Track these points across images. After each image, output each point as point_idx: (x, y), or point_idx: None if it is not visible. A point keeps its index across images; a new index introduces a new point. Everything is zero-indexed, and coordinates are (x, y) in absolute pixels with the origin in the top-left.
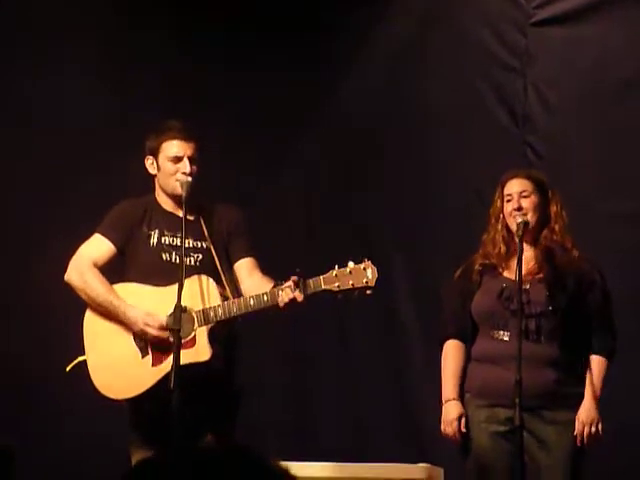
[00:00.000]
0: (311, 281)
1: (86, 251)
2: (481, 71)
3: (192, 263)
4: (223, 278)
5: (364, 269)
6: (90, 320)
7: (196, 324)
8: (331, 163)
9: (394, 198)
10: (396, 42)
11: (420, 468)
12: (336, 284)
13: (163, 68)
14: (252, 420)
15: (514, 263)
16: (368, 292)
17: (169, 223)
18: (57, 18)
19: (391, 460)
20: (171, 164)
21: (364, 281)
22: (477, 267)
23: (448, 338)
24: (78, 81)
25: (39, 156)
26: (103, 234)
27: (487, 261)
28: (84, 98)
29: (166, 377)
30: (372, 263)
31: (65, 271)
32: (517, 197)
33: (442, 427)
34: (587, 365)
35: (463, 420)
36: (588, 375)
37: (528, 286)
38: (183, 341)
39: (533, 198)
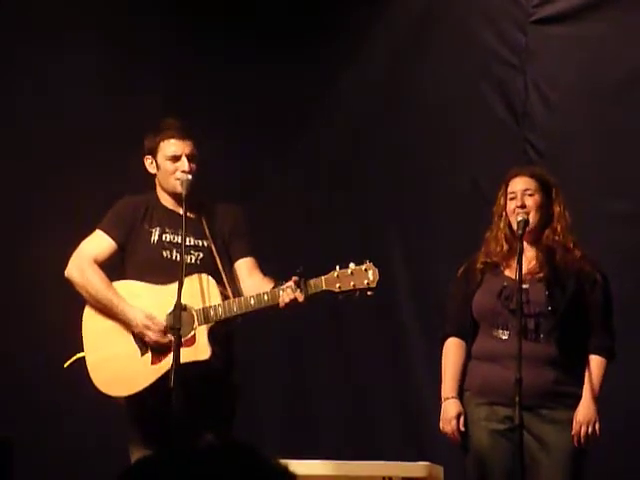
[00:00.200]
0: (312, 281)
1: (87, 247)
2: (481, 69)
3: (193, 261)
4: (224, 277)
5: (365, 270)
6: (89, 317)
7: (196, 323)
8: (331, 162)
9: (394, 197)
10: (396, 40)
11: (420, 466)
12: (337, 285)
13: (163, 67)
14: (252, 419)
15: (515, 262)
16: (369, 293)
17: (170, 221)
18: (57, 18)
19: (391, 458)
20: (170, 163)
21: (365, 282)
22: (479, 265)
23: (448, 336)
24: (78, 81)
25: (39, 156)
26: (104, 231)
27: (489, 260)
28: (84, 98)
29: (165, 375)
30: (373, 264)
31: (64, 269)
32: (520, 195)
33: (441, 425)
34: (586, 365)
35: (462, 418)
36: (587, 375)
37: (528, 285)
38: (183, 339)
39: (537, 197)
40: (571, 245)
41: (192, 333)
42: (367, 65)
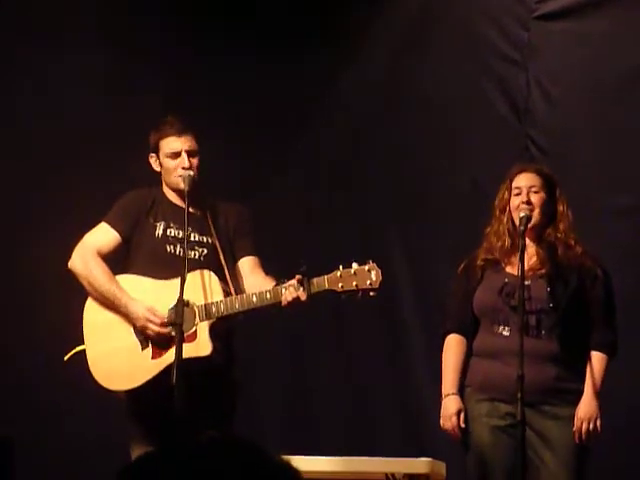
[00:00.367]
0: (315, 280)
1: (91, 239)
2: (483, 66)
3: (196, 257)
4: (227, 274)
5: (368, 271)
6: (90, 310)
7: (197, 319)
8: (331, 162)
9: (394, 197)
10: (396, 40)
11: (422, 462)
12: (340, 284)
13: (163, 67)
14: (254, 418)
15: (516, 259)
16: (371, 294)
17: (175, 216)
18: (57, 18)
19: (393, 455)
20: (170, 160)
21: (368, 283)
22: (479, 262)
23: (449, 333)
24: (78, 81)
25: (39, 156)
26: (110, 223)
27: (490, 256)
28: (84, 98)
29: (165, 370)
30: (376, 265)
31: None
32: (526, 191)
33: (441, 422)
34: (588, 361)
35: (462, 415)
36: (588, 371)
37: (529, 282)
38: (184, 335)
39: (542, 194)
40: (572, 242)
41: (193, 329)
42: (367, 65)
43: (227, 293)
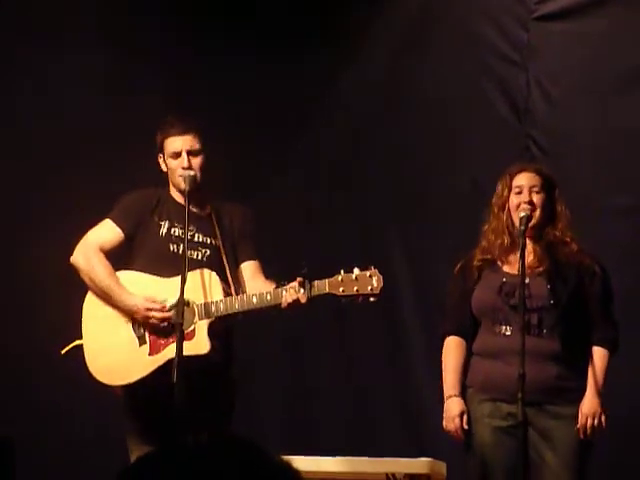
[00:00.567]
0: (316, 283)
1: (94, 236)
2: (482, 66)
3: (199, 257)
4: (229, 276)
5: (370, 277)
6: (90, 304)
7: (196, 317)
8: (331, 162)
9: (394, 197)
10: (396, 40)
11: (423, 462)
12: (341, 289)
13: (163, 67)
14: (253, 419)
15: (514, 257)
16: (372, 299)
17: (180, 215)
18: (57, 18)
19: (393, 455)
20: (173, 160)
21: (369, 289)
22: (476, 263)
23: (448, 335)
24: (78, 81)
25: (39, 156)
26: (114, 220)
27: (487, 256)
28: (84, 98)
29: (162, 367)
30: (378, 271)
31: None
32: (527, 191)
33: (444, 424)
34: (589, 358)
35: (465, 417)
36: (590, 367)
37: (528, 280)
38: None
39: (542, 194)
40: (569, 240)
41: (192, 327)
42: (367, 65)
43: (227, 294)
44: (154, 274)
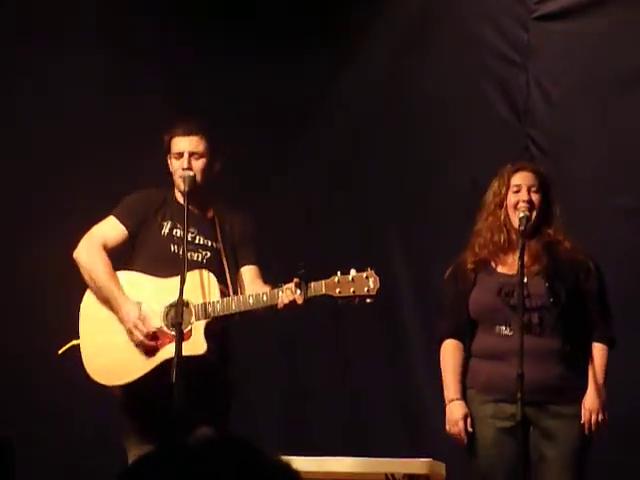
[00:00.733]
0: (312, 284)
1: (98, 232)
2: (482, 67)
3: (199, 259)
4: (228, 280)
5: (366, 278)
6: (88, 304)
7: (193, 317)
8: (331, 162)
9: (394, 197)
10: (396, 40)
11: (422, 463)
12: (337, 290)
13: (163, 67)
14: (250, 420)
15: (509, 258)
16: (368, 301)
17: (182, 216)
18: (57, 18)
19: (393, 455)
20: (175, 161)
21: (365, 290)
22: (469, 266)
23: (445, 338)
24: (78, 81)
25: (39, 156)
26: (118, 218)
27: (480, 256)
28: (84, 98)
29: (158, 367)
30: (375, 272)
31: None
32: (526, 190)
33: (447, 427)
34: (589, 355)
35: (469, 420)
36: (590, 363)
37: (526, 279)
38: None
39: (540, 194)
40: (561, 238)
41: (189, 328)
42: (367, 65)
43: (225, 295)
44: (153, 274)
